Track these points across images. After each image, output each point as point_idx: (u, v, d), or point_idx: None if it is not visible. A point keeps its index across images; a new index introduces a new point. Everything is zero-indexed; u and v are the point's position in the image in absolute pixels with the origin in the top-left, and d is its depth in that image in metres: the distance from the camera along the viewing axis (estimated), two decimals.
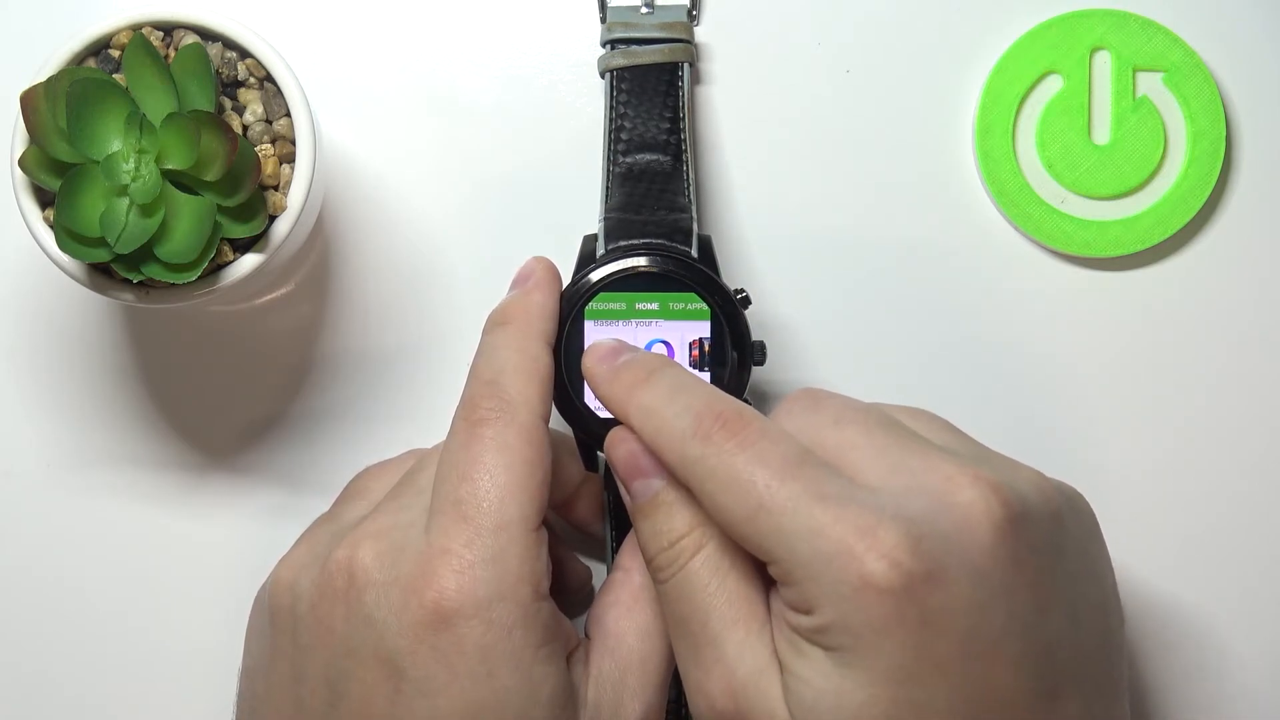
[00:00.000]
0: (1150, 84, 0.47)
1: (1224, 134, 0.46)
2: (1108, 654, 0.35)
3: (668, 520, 0.35)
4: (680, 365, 0.38)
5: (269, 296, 0.46)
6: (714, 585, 0.34)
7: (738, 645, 0.34)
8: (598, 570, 0.45)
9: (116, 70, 0.40)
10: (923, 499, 0.32)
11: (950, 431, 0.36)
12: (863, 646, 0.31)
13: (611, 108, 0.42)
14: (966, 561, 0.31)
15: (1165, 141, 0.46)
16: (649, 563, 0.36)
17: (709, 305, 0.39)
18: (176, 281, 0.38)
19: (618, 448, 0.36)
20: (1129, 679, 0.37)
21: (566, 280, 0.40)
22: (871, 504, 0.32)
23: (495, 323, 0.39)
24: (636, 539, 0.37)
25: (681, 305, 0.39)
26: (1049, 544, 0.33)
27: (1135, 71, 0.46)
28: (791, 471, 0.33)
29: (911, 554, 0.31)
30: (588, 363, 0.38)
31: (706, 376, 0.39)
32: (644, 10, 0.44)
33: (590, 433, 0.39)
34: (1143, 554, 0.47)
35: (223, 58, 0.40)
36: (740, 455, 0.33)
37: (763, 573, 0.34)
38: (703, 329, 0.39)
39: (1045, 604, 0.33)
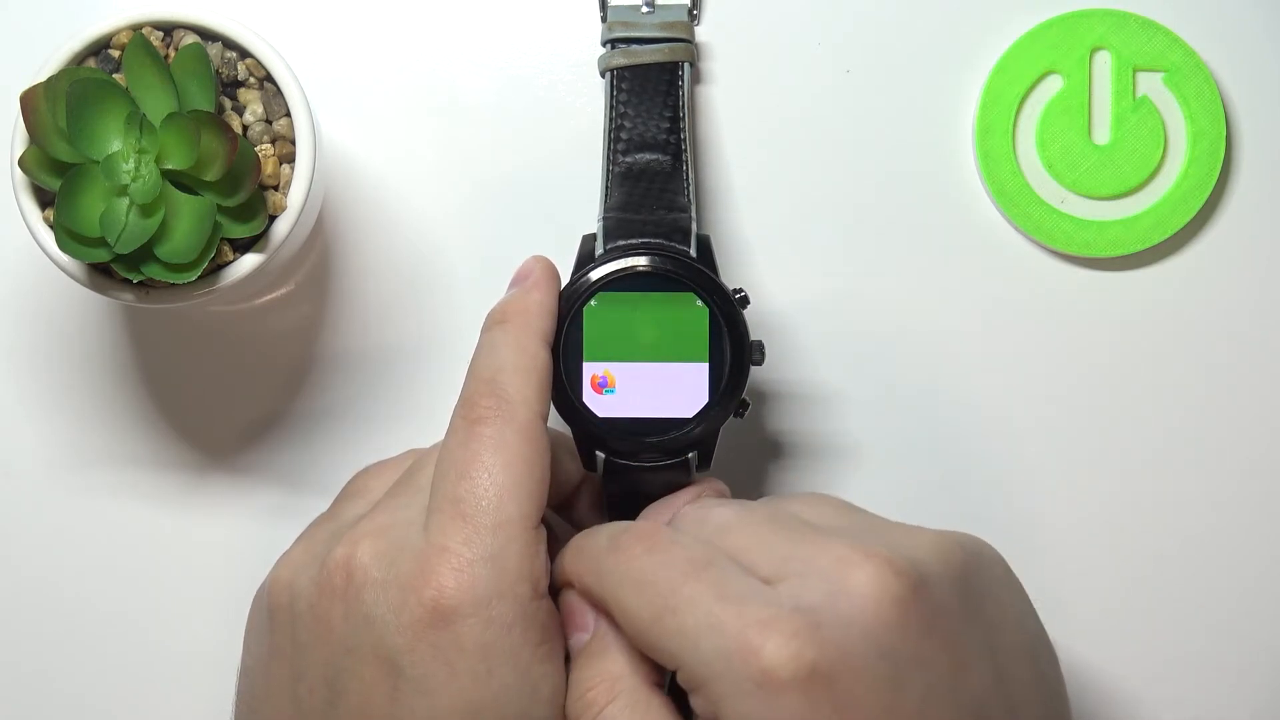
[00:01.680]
0: (1150, 84, 0.47)
1: (1224, 134, 0.46)
2: (1044, 697, 0.35)
3: (584, 670, 0.36)
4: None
5: (269, 296, 0.46)
6: None
7: None
8: None
9: (116, 70, 0.40)
10: (818, 585, 0.32)
11: (846, 512, 0.36)
12: None
13: (611, 107, 0.42)
14: (871, 642, 0.31)
15: (1165, 141, 0.46)
16: (569, 715, 0.36)
17: (707, 305, 0.39)
18: (176, 281, 0.38)
19: (561, 602, 0.37)
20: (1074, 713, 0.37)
21: (565, 279, 0.40)
22: (770, 599, 0.32)
23: (494, 321, 0.39)
24: None
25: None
26: (955, 604, 0.33)
27: (1135, 71, 0.46)
28: (696, 572, 0.33)
29: (811, 642, 0.31)
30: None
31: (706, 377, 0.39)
32: (644, 10, 0.44)
33: (589, 432, 0.39)
34: (1142, 553, 0.47)
35: (223, 58, 0.40)
36: (648, 559, 0.34)
37: (673, 711, 0.34)
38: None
39: (964, 663, 0.32)
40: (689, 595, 0.32)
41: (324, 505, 0.42)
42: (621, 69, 0.43)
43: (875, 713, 0.31)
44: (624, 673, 0.35)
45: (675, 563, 0.33)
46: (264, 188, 0.40)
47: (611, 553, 0.35)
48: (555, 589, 0.38)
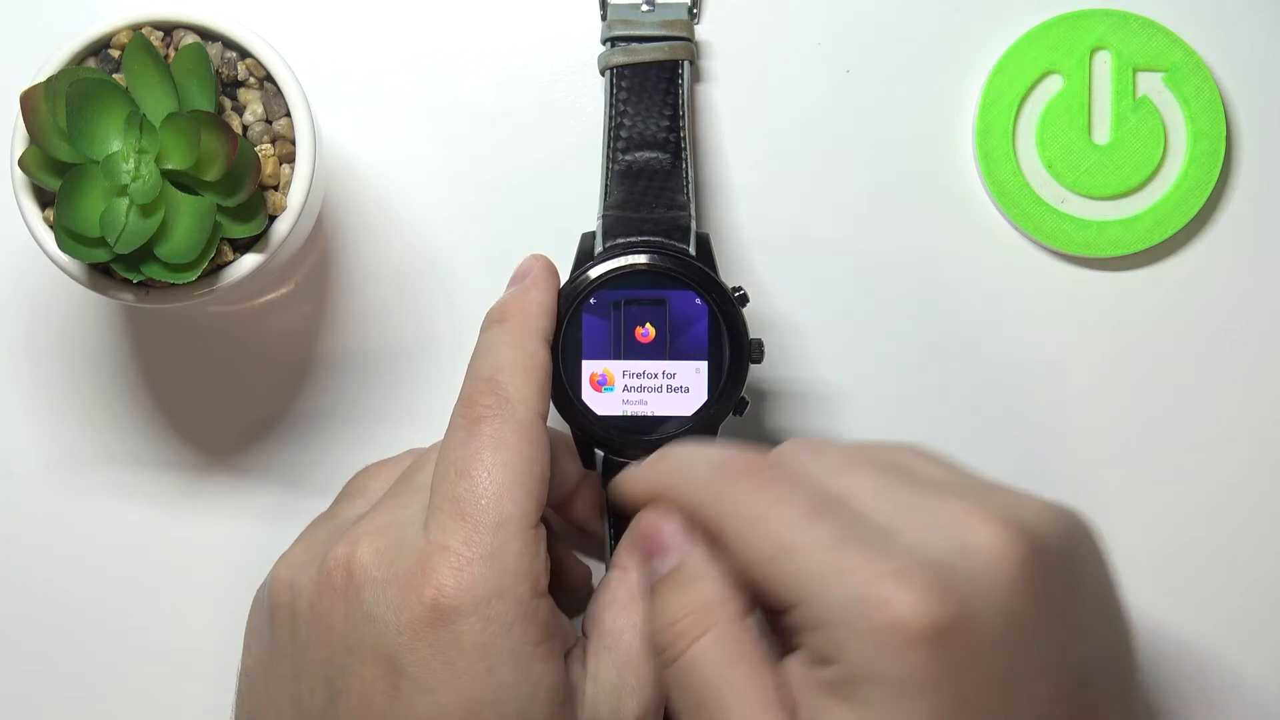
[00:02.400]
0: (1150, 84, 0.47)
1: (1224, 134, 0.46)
2: (1126, 676, 0.35)
3: (675, 598, 0.35)
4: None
5: (269, 296, 0.46)
6: (722, 671, 0.33)
7: None
8: (597, 569, 0.45)
9: (116, 70, 0.40)
10: (941, 542, 0.32)
11: (950, 467, 0.36)
12: (894, 699, 0.30)
13: (611, 105, 0.42)
14: (994, 602, 0.31)
15: (1165, 141, 0.46)
16: (655, 645, 0.35)
17: (707, 303, 0.39)
18: (176, 281, 0.38)
19: (640, 524, 0.36)
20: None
21: (565, 278, 0.40)
22: (898, 548, 0.31)
23: (493, 320, 0.39)
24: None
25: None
26: (1065, 572, 0.33)
27: (1135, 71, 0.46)
28: (820, 512, 0.32)
29: (943, 599, 0.30)
30: (610, 486, 0.38)
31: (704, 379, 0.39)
32: (644, 8, 0.44)
33: (588, 431, 0.40)
34: (1141, 551, 0.47)
35: (223, 58, 0.40)
36: (768, 493, 0.33)
37: (772, 658, 0.33)
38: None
39: (1072, 634, 0.32)
40: (812, 537, 0.32)
41: (324, 505, 0.42)
42: (621, 67, 0.43)
43: (992, 674, 0.31)
44: (719, 602, 0.34)
45: (795, 500, 0.32)
46: (264, 188, 0.40)
47: (722, 482, 0.34)
48: (620, 507, 0.38)
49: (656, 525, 0.36)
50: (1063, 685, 0.32)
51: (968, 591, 0.31)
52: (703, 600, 0.34)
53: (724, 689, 0.33)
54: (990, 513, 0.32)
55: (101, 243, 0.37)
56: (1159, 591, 0.47)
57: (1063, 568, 0.33)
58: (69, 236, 0.37)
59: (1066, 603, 0.32)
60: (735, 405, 0.40)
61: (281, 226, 0.40)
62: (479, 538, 0.35)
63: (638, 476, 0.37)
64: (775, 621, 0.34)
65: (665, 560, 0.36)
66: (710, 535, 0.34)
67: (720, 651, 0.33)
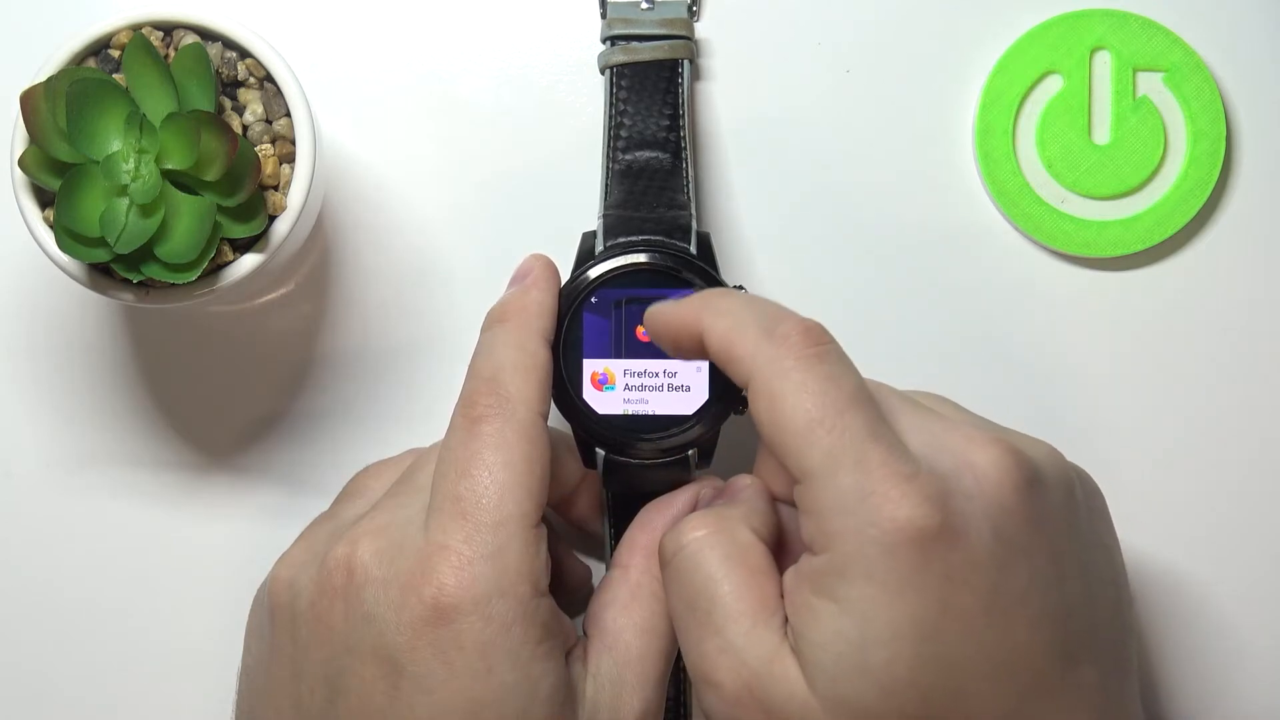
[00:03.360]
0: (1150, 84, 0.47)
1: (1224, 134, 0.46)
2: (1120, 629, 0.35)
3: (697, 515, 0.36)
4: None
5: (269, 296, 0.46)
6: (721, 571, 0.34)
7: (744, 635, 0.33)
8: (597, 569, 0.45)
9: (116, 70, 0.40)
10: (946, 458, 0.33)
11: (964, 410, 0.37)
12: (878, 596, 0.31)
13: (611, 104, 0.42)
14: (989, 519, 0.32)
15: (1165, 141, 0.46)
16: (659, 547, 0.36)
17: None
18: (176, 281, 0.38)
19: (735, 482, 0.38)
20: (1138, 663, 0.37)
21: (565, 277, 0.40)
22: (912, 456, 0.32)
23: (493, 320, 0.39)
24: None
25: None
26: (1064, 511, 0.34)
27: (1135, 71, 0.46)
28: (859, 401, 0.33)
29: (942, 508, 0.31)
30: (650, 311, 0.38)
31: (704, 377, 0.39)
32: (644, 7, 0.44)
33: (589, 430, 0.40)
34: (1141, 552, 0.47)
35: (223, 58, 0.40)
36: (818, 367, 0.33)
37: (777, 574, 0.34)
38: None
39: (1062, 568, 0.33)
40: (848, 421, 0.32)
41: (324, 505, 0.42)
42: (621, 66, 0.43)
43: (981, 587, 0.32)
44: (737, 517, 0.36)
45: (843, 383, 0.33)
46: (264, 188, 0.40)
47: (777, 340, 0.34)
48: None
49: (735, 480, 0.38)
50: (1049, 610, 0.33)
51: (965, 506, 0.32)
52: (722, 512, 0.36)
53: (717, 586, 0.34)
54: (996, 439, 0.33)
55: (101, 243, 0.37)
56: (1156, 592, 0.47)
57: (1060, 506, 0.34)
58: (69, 236, 0.37)
59: (1061, 537, 0.33)
60: (736, 404, 0.40)
61: (281, 226, 0.40)
62: (479, 537, 0.35)
63: (682, 308, 0.37)
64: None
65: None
66: (740, 384, 0.35)
67: (722, 552, 0.35)
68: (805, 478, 0.33)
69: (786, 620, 0.34)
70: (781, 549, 0.37)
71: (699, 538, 0.35)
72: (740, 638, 0.33)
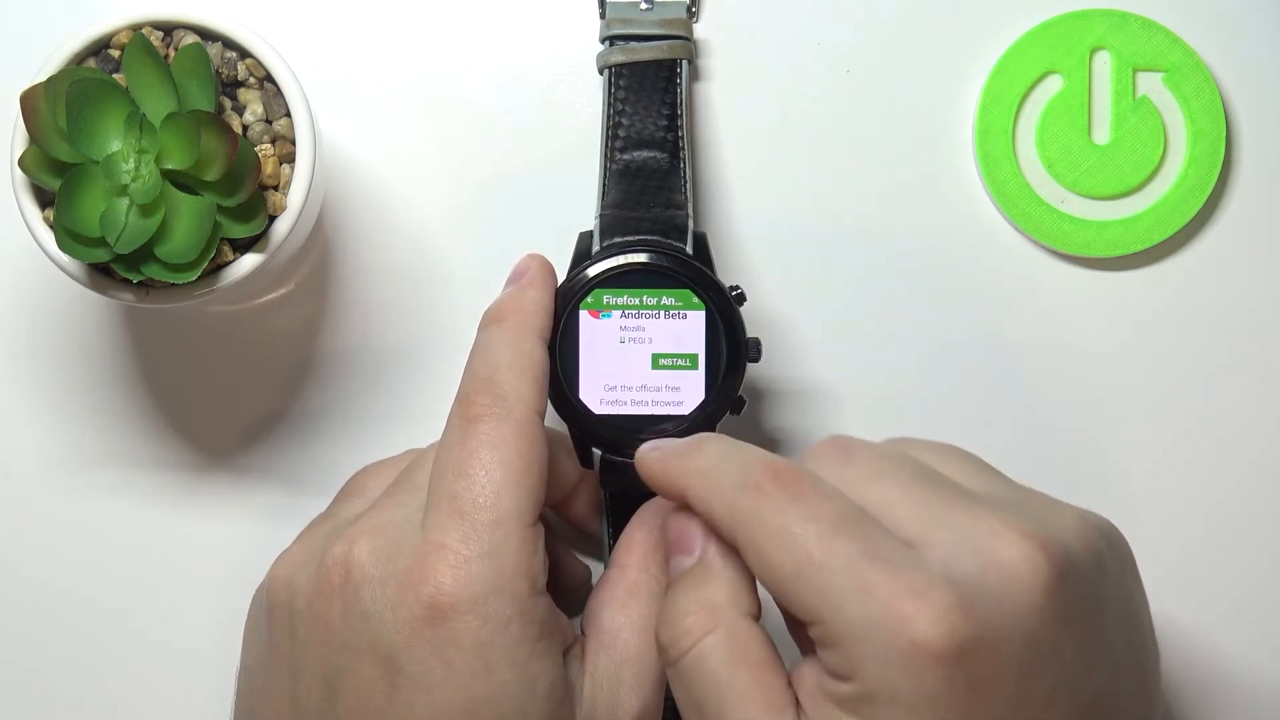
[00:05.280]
0: (1150, 84, 0.46)
1: (1224, 134, 0.46)
2: (1147, 695, 0.34)
3: (683, 597, 0.34)
4: (729, 437, 0.37)
5: (269, 296, 0.46)
6: (724, 672, 0.33)
7: None
8: (596, 570, 0.45)
9: (116, 70, 0.40)
10: (970, 558, 0.31)
11: (984, 472, 0.35)
12: (909, 717, 0.30)
13: (609, 104, 0.42)
14: (1017, 623, 0.30)
15: (1165, 141, 0.46)
16: (657, 643, 0.34)
17: (704, 301, 0.39)
18: (176, 281, 0.38)
19: (670, 523, 0.36)
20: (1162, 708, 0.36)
21: (563, 277, 0.40)
22: (922, 565, 0.31)
23: (490, 320, 0.39)
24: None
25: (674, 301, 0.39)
26: (1093, 594, 0.32)
27: (1135, 71, 0.46)
28: (844, 528, 0.31)
29: (965, 618, 0.30)
30: (640, 452, 0.37)
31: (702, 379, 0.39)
32: (643, 7, 0.44)
33: (586, 430, 0.40)
34: (1142, 553, 0.47)
35: (223, 58, 0.40)
36: (792, 509, 0.32)
37: (780, 661, 0.33)
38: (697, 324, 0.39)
39: (1091, 659, 0.32)
40: (837, 553, 0.31)
41: (323, 505, 0.42)
42: (620, 66, 0.43)
43: (1007, 697, 0.30)
44: (726, 603, 0.34)
45: (822, 515, 0.31)
46: (264, 188, 0.40)
47: (749, 492, 0.33)
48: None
49: (684, 526, 0.35)
50: (1078, 706, 0.31)
51: (991, 612, 0.30)
52: (711, 599, 0.34)
53: (725, 690, 0.32)
54: (1022, 530, 0.31)
55: (101, 243, 0.37)
56: (1160, 589, 0.47)
57: (1091, 587, 0.32)
58: (69, 236, 0.37)
59: (1091, 624, 0.32)
60: (733, 404, 0.40)
61: (281, 226, 0.40)
62: (476, 536, 0.35)
63: (665, 466, 0.36)
64: (795, 625, 0.33)
65: (685, 560, 0.35)
66: (726, 541, 0.34)
67: (724, 652, 0.33)
68: (813, 618, 0.31)
69: (799, 709, 0.32)
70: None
71: (700, 642, 0.33)
72: None
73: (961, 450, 0.36)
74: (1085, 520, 0.33)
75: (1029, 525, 0.31)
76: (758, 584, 0.34)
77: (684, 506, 0.35)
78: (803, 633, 0.32)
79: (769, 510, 0.32)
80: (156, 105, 0.38)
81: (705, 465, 0.34)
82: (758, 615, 0.34)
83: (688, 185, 0.41)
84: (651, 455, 0.36)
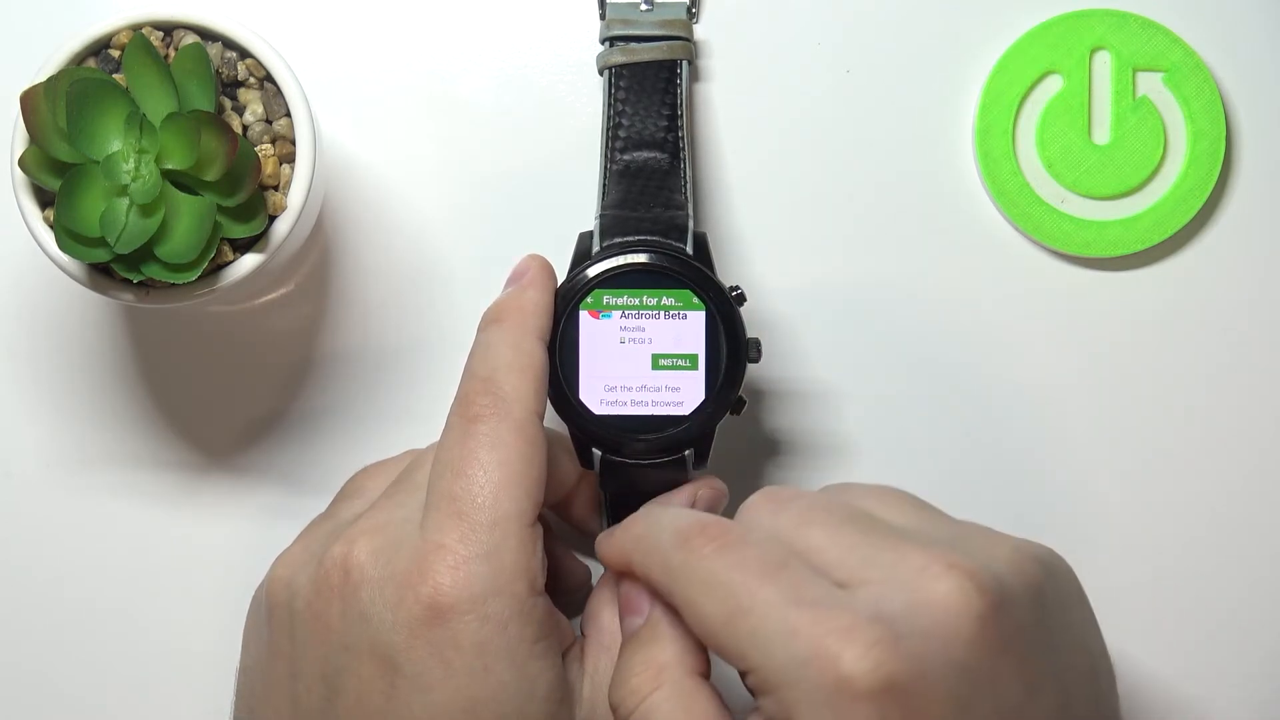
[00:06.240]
0: (1150, 84, 0.46)
1: (1224, 134, 0.46)
2: (1104, 712, 0.34)
3: (630, 657, 0.35)
4: (669, 504, 0.38)
5: (269, 296, 0.46)
6: None
7: None
8: (596, 570, 0.45)
9: (116, 70, 0.40)
10: (898, 595, 0.31)
11: (919, 510, 0.35)
12: None
13: (610, 105, 0.42)
14: (949, 657, 0.30)
15: (1165, 141, 0.46)
16: (611, 702, 0.35)
17: (704, 302, 0.39)
18: (176, 281, 0.38)
19: (621, 588, 0.36)
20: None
21: (562, 277, 0.40)
22: (849, 605, 0.31)
23: (489, 320, 0.39)
24: None
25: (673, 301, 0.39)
26: (1031, 623, 0.32)
27: (1135, 71, 0.46)
28: (770, 574, 0.32)
29: (892, 654, 0.30)
30: (598, 540, 0.38)
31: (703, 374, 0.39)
32: (643, 8, 0.44)
33: (586, 430, 0.40)
34: (1142, 553, 0.47)
35: (223, 58, 0.40)
36: (720, 559, 0.32)
37: (728, 715, 0.33)
38: (697, 324, 0.39)
39: (1033, 686, 0.32)
40: (764, 598, 0.31)
41: (323, 505, 0.42)
42: (620, 66, 0.43)
43: None
44: (671, 661, 0.34)
45: (749, 563, 0.32)
46: (264, 188, 0.40)
47: (680, 549, 0.33)
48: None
49: (630, 589, 0.36)
50: None
51: (919, 646, 0.30)
52: (658, 658, 0.34)
53: None
54: (951, 563, 0.31)
55: (101, 243, 0.37)
56: (1158, 590, 0.47)
57: (1028, 620, 0.32)
58: (69, 236, 0.37)
59: (1029, 656, 0.32)
60: (733, 404, 0.40)
61: (281, 226, 0.40)
62: (475, 536, 0.35)
63: (611, 543, 0.37)
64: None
65: (633, 621, 0.36)
66: (665, 600, 0.34)
67: (669, 708, 0.33)
68: (745, 666, 0.32)
69: None
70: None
71: (646, 698, 0.34)
72: None
73: (898, 491, 0.36)
74: (1020, 551, 0.33)
75: (958, 558, 0.31)
76: None
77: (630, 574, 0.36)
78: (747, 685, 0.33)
79: (697, 563, 0.33)
80: (156, 105, 0.38)
81: (642, 530, 0.35)
82: (706, 673, 0.34)
83: (688, 186, 0.41)
84: (605, 539, 0.37)
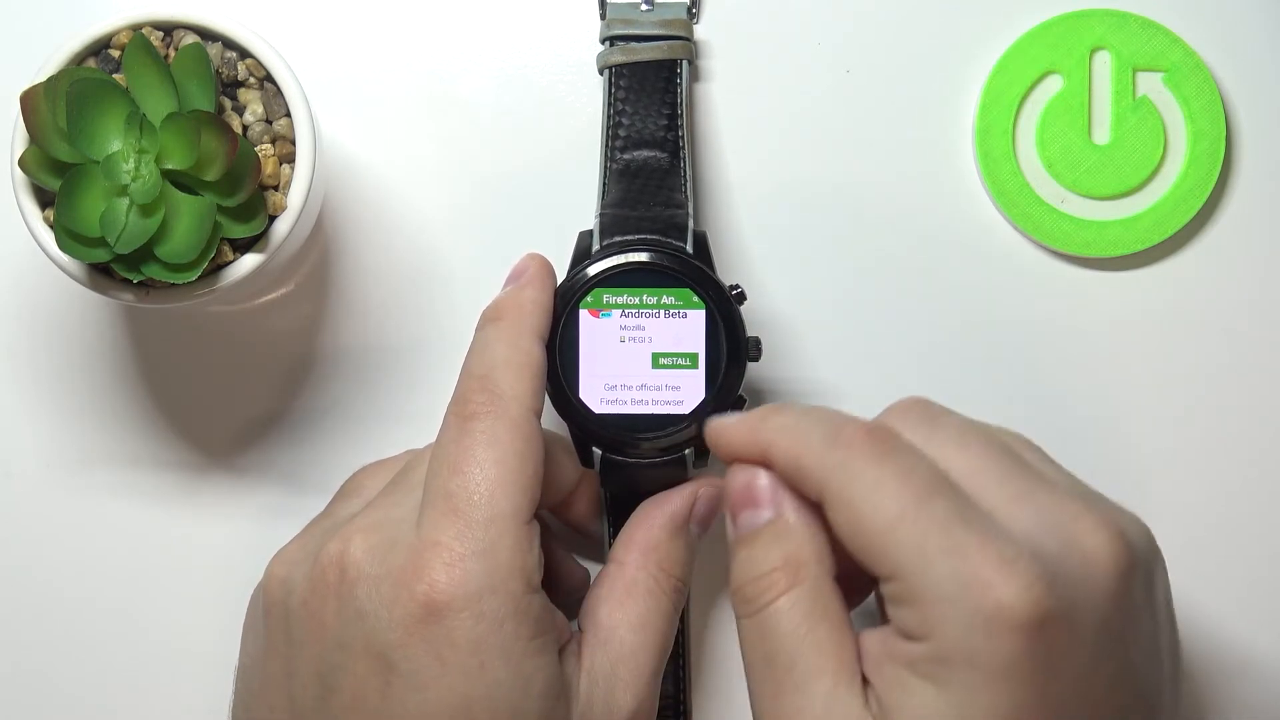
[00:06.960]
0: (1150, 84, 0.47)
1: (1224, 134, 0.46)
2: (1179, 691, 0.35)
3: (765, 551, 0.34)
4: None
5: (269, 296, 0.46)
6: (804, 627, 0.33)
7: (826, 695, 0.33)
8: (594, 573, 0.45)
9: (116, 70, 0.40)
10: (1052, 537, 0.32)
11: (1051, 462, 0.36)
12: (982, 683, 0.30)
13: (610, 104, 0.42)
14: (1093, 606, 0.31)
15: (1165, 141, 0.46)
16: (734, 594, 0.35)
17: (704, 300, 0.39)
18: (176, 281, 0.38)
19: (735, 478, 0.36)
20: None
21: (562, 276, 0.40)
22: (1011, 536, 0.31)
23: (488, 319, 0.39)
24: (731, 571, 0.36)
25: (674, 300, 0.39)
26: (1152, 596, 0.33)
27: (1135, 71, 0.46)
28: (938, 488, 0.32)
29: (1049, 593, 0.30)
30: (709, 423, 0.37)
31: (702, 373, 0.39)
32: (644, 7, 0.44)
33: (586, 429, 0.40)
34: None
35: (223, 58, 0.40)
36: (886, 465, 0.32)
37: (852, 625, 0.33)
38: (698, 324, 0.39)
39: (1148, 653, 0.33)
40: (932, 511, 0.31)
41: (323, 505, 0.42)
42: (620, 66, 0.43)
43: (1077, 677, 0.31)
44: (811, 559, 0.34)
45: (915, 473, 0.32)
46: (264, 188, 0.40)
47: (838, 447, 0.33)
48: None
49: (750, 480, 0.36)
50: (1133, 697, 0.32)
51: (1070, 591, 0.31)
52: (796, 555, 0.34)
53: (804, 644, 0.33)
54: (1104, 519, 0.32)
55: (101, 243, 0.37)
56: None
57: (1149, 588, 0.33)
58: (69, 236, 0.37)
59: (1148, 620, 0.33)
60: (733, 404, 0.40)
61: (281, 226, 0.40)
62: (471, 534, 0.35)
63: (743, 427, 0.36)
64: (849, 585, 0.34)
65: (758, 514, 0.35)
66: (814, 499, 0.34)
67: (807, 607, 0.33)
68: (896, 574, 0.32)
69: (865, 682, 0.33)
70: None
71: (784, 594, 0.34)
72: (821, 698, 0.33)
73: (1030, 440, 0.36)
74: (1148, 530, 0.34)
75: (1107, 516, 0.32)
76: None
77: (751, 464, 0.36)
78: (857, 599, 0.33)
79: (862, 465, 0.33)
80: (156, 105, 0.38)
81: (790, 423, 0.35)
82: (836, 575, 0.35)
83: (688, 185, 0.41)
84: (726, 419, 0.37)
